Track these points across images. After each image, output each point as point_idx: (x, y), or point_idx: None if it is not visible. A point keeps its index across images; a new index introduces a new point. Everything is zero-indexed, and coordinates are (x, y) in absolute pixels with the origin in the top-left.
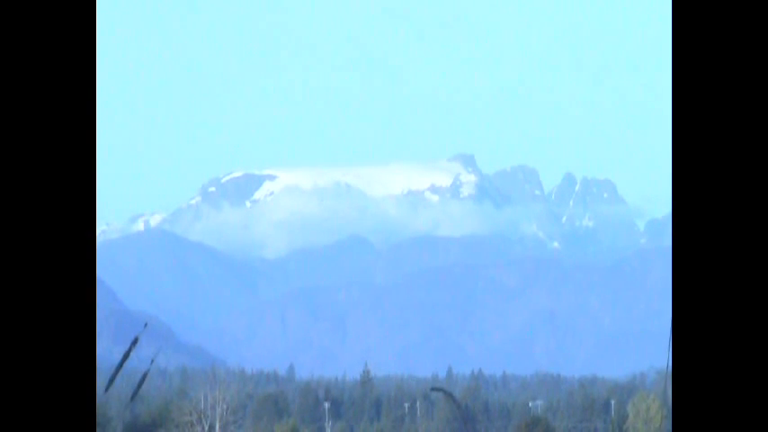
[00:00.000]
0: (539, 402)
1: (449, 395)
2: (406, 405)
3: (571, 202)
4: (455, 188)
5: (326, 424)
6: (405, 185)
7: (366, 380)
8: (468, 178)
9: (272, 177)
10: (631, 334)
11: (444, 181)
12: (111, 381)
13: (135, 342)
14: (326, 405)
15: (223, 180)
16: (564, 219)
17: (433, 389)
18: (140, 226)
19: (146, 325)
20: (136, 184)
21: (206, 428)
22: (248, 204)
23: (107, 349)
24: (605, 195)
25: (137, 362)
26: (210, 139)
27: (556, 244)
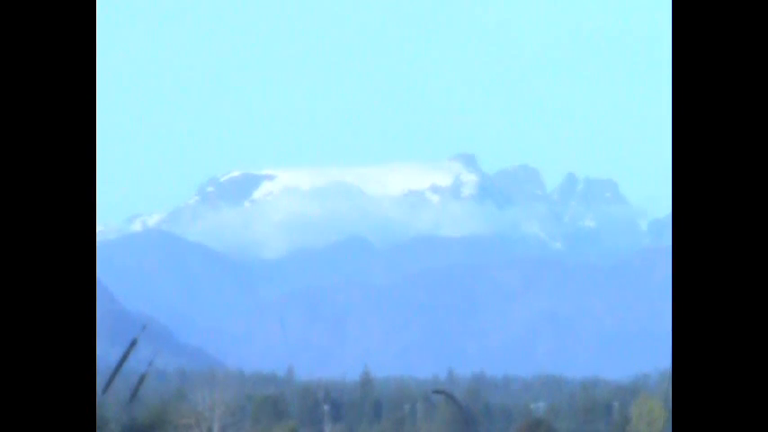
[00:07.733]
0: (540, 404)
1: (451, 398)
2: (407, 407)
3: (573, 203)
4: (456, 188)
5: (326, 426)
6: (405, 185)
7: (366, 381)
8: (469, 178)
9: (270, 177)
10: (634, 335)
11: (445, 181)
12: (109, 382)
13: (133, 344)
14: (326, 407)
15: (221, 180)
16: (566, 219)
17: (435, 391)
18: (138, 226)
19: (144, 327)
20: (133, 185)
21: (204, 431)
22: (247, 204)
23: (104, 350)
24: (608, 195)
25: (134, 363)
26: (209, 138)
27: (558, 244)
